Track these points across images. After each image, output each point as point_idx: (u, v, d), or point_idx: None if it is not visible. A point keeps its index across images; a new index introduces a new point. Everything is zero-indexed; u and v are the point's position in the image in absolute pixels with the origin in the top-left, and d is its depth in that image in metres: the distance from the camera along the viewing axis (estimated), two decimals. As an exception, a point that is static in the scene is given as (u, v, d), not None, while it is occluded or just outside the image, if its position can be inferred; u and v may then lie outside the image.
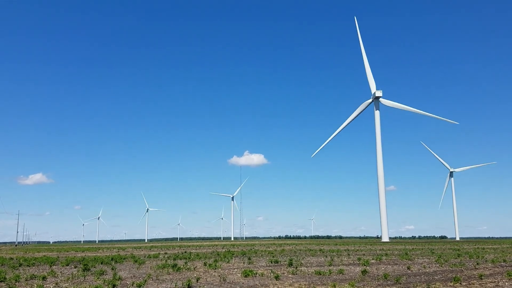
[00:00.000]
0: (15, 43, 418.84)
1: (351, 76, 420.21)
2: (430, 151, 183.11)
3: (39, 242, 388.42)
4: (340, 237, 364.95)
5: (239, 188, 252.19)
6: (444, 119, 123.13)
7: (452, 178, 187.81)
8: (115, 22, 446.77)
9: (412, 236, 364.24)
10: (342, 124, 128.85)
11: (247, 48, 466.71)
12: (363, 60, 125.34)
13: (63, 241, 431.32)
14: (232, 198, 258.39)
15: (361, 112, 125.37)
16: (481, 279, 18.54)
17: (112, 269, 24.98)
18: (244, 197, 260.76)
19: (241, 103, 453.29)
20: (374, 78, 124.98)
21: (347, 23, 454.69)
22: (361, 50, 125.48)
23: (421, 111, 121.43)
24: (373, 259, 32.76)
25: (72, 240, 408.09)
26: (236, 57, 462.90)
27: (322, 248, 61.63)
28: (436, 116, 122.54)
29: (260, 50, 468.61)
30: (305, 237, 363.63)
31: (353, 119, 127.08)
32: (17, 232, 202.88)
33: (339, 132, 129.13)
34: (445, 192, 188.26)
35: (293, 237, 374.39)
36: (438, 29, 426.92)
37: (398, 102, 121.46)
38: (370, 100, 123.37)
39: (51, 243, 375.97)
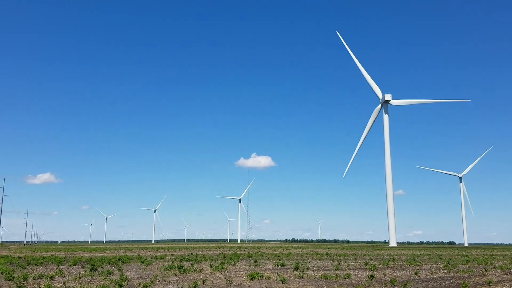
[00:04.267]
0: (20, 41, 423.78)
1: (360, 77, 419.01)
2: (431, 170, 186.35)
3: (47, 242, 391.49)
4: (347, 241, 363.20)
5: (246, 190, 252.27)
6: (454, 100, 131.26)
7: (462, 183, 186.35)
8: (125, 23, 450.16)
9: (420, 242, 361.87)
10: (360, 138, 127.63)
11: (255, 49, 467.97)
12: (361, 73, 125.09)
13: (70, 241, 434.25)
14: (239, 200, 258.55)
15: (375, 119, 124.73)
16: (490, 285, 18.36)
17: (119, 269, 25.09)
18: (251, 200, 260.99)
19: (249, 105, 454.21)
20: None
21: (353, 23, 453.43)
22: (356, 65, 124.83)
23: (430, 100, 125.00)
24: (380, 264, 32.56)
25: (80, 240, 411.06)
26: (244, 58, 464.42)
27: (329, 252, 61.38)
28: (446, 100, 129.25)
29: (269, 50, 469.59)
30: (311, 241, 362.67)
31: (369, 129, 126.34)
32: (26, 231, 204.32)
33: (360, 146, 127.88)
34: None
35: (300, 241, 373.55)
36: (444, 29, 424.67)
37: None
38: (380, 106, 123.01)
39: (59, 242, 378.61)
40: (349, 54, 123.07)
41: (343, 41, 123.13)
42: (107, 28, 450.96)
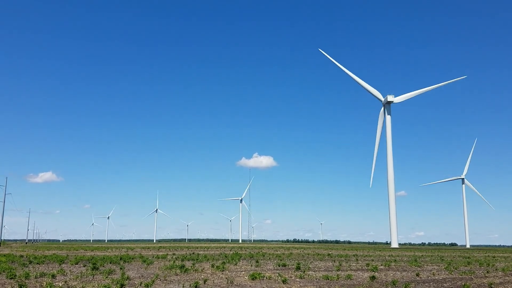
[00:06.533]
0: (21, 40, 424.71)
1: (362, 78, 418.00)
2: (435, 183, 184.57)
3: (49, 240, 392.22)
4: (349, 242, 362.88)
5: (246, 189, 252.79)
6: (452, 80, 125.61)
7: (464, 185, 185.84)
8: (125, 23, 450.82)
9: (422, 243, 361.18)
10: (375, 144, 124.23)
11: (257, 49, 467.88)
12: (356, 82, 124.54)
13: (72, 240, 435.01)
14: (241, 200, 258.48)
15: (383, 123, 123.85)
16: (491, 287, 18.32)
17: (121, 268, 25.13)
18: (252, 200, 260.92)
19: (250, 105, 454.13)
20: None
21: (357, 22, 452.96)
22: (348, 75, 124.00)
23: (429, 88, 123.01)
24: (381, 265, 32.52)
25: (82, 239, 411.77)
26: (246, 58, 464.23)
27: (330, 252, 61.34)
28: (444, 83, 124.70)
29: (270, 51, 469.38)
30: (313, 241, 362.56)
31: (380, 134, 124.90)
32: (28, 229, 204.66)
33: (376, 156, 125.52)
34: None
35: (301, 241, 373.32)
36: (444, 30, 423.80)
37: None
38: (383, 108, 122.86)
39: (61, 241, 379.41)
40: (339, 67, 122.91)
41: (329, 57, 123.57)
42: (109, 28, 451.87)
